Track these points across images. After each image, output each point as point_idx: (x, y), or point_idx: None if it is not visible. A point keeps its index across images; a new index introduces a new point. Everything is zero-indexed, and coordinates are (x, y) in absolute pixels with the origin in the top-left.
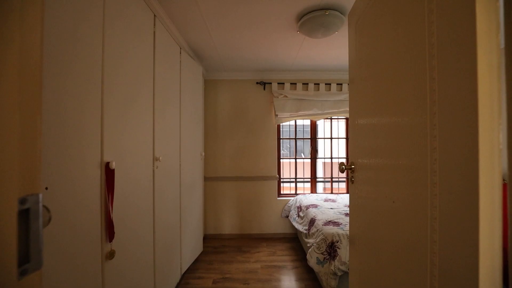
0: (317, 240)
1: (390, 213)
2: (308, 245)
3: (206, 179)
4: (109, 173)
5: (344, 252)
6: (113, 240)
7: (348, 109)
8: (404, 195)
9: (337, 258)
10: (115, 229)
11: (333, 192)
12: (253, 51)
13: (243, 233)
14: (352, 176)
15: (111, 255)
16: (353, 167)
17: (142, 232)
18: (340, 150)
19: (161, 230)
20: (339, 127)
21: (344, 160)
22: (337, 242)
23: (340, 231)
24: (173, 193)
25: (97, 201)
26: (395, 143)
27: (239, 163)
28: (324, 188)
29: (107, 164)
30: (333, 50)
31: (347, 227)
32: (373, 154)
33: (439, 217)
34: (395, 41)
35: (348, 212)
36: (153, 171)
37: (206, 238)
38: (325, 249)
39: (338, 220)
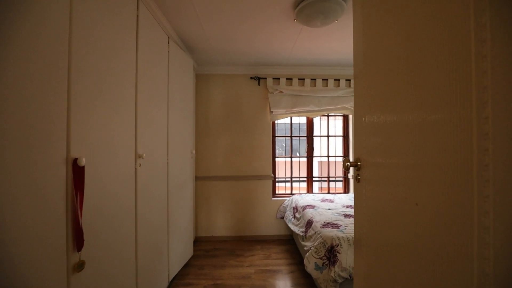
0: (315, 244)
1: (411, 217)
2: (305, 248)
3: (197, 178)
4: (77, 171)
5: (344, 257)
6: (82, 249)
7: (346, 105)
8: (431, 197)
9: (337, 263)
10: (86, 236)
11: (330, 192)
12: (248, 43)
13: (236, 235)
14: (357, 174)
15: (79, 266)
16: (359, 164)
17: (121, 237)
18: (337, 149)
19: (145, 234)
20: (336, 125)
21: (341, 159)
22: (337, 246)
23: (340, 234)
24: (159, 193)
25: (61, 204)
26: (419, 141)
27: (232, 162)
28: (320, 188)
29: (75, 160)
30: (331, 43)
31: (347, 230)
32: (387, 152)
33: (493, 225)
34: (419, 24)
35: (347, 213)
36: (135, 169)
37: (197, 241)
38: (324, 254)
39: (337, 222)
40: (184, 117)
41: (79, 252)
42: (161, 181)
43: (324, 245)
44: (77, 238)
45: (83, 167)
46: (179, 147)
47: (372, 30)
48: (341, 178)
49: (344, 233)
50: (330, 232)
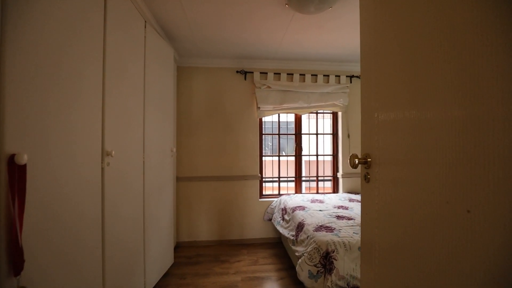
0: (308, 249)
1: (457, 226)
2: (297, 254)
3: (178, 179)
4: (16, 171)
5: (342, 264)
6: (21, 273)
7: (335, 102)
8: (491, 204)
9: (334, 271)
10: (31, 254)
11: (319, 191)
12: (235, 32)
13: (221, 239)
14: (367, 174)
15: None
16: (369, 161)
17: (82, 252)
18: (325, 148)
19: (115, 244)
20: (325, 123)
21: (330, 158)
22: (333, 252)
23: (336, 238)
24: (133, 196)
25: None
26: (460, 137)
27: (217, 161)
28: (309, 188)
29: (12, 157)
30: (322, 34)
31: (343, 233)
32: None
33: None
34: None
35: (339, 214)
36: (103, 169)
37: (179, 247)
38: (319, 261)
39: (330, 225)
40: (163, 111)
41: (17, 277)
42: (136, 183)
43: (319, 250)
44: (15, 259)
45: (25, 165)
46: (158, 144)
47: (388, 15)
48: (329, 178)
49: (339, 237)
50: (324, 236)
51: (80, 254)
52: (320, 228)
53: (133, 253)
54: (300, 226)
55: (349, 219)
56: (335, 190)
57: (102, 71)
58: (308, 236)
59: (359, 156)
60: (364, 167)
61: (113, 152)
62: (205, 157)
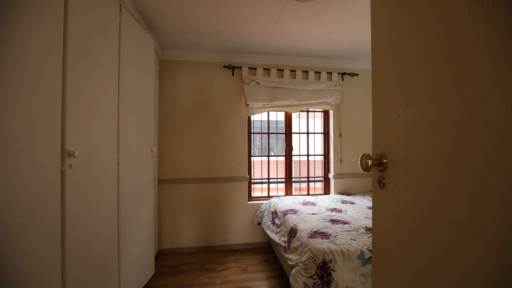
0: (302, 259)
1: None
2: (290, 263)
3: (160, 181)
4: None
5: (340, 275)
6: None
7: (327, 100)
8: None
9: (333, 284)
10: None
11: (310, 193)
12: (223, 22)
13: (207, 245)
14: (381, 177)
15: None
16: (384, 162)
17: (40, 268)
18: (316, 147)
19: (83, 258)
20: (316, 122)
21: (321, 158)
22: (331, 262)
23: (333, 246)
24: (105, 202)
25: None
26: None
27: (202, 162)
28: (299, 189)
29: None
30: (315, 27)
31: (340, 240)
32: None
33: None
34: None
35: (333, 218)
36: (63, 172)
37: (161, 255)
38: (315, 272)
39: (325, 230)
40: (142, 107)
41: None
42: (108, 187)
43: (315, 260)
44: None
45: None
46: (136, 143)
47: None
48: (320, 179)
49: (336, 244)
50: (320, 244)
51: (37, 270)
52: (314, 234)
53: (104, 267)
54: (292, 232)
55: (344, 223)
56: (326, 191)
57: (62, 58)
58: (302, 244)
59: (371, 157)
60: (377, 170)
61: (77, 153)
62: (189, 157)
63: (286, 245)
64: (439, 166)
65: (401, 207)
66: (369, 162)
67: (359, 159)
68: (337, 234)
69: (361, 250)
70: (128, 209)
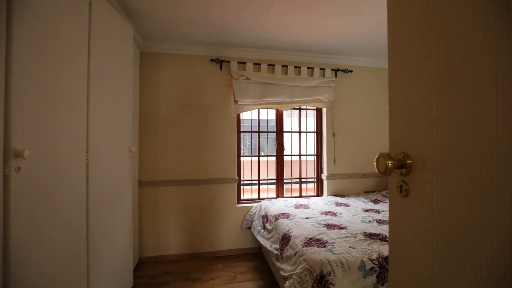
0: (297, 270)
1: None
2: (283, 273)
3: (141, 184)
4: None
5: None
6: None
7: (320, 97)
8: None
9: None
10: None
11: (302, 195)
12: (209, 10)
13: (192, 252)
14: (403, 183)
15: None
16: (408, 164)
17: None
18: (308, 147)
19: (38, 276)
20: (308, 122)
21: (314, 158)
22: (329, 274)
23: (331, 256)
24: (69, 211)
25: None
26: None
27: (188, 163)
28: (291, 190)
29: None
30: (309, 20)
31: (338, 248)
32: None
33: None
34: None
35: (328, 222)
36: (6, 176)
37: (142, 264)
38: (312, 286)
39: (321, 237)
40: (118, 101)
41: None
42: (74, 192)
43: (311, 273)
44: None
45: None
46: (110, 142)
47: None
48: (313, 179)
49: (334, 253)
50: (316, 253)
51: None
52: (309, 242)
53: (69, 284)
54: (285, 239)
55: (341, 228)
56: (319, 192)
57: (5, 36)
58: (296, 253)
59: (391, 157)
60: (398, 173)
61: (27, 152)
62: (174, 158)
63: (278, 253)
64: (496, 172)
65: (435, 223)
66: (389, 163)
67: (376, 160)
68: (334, 241)
69: (362, 260)
70: (101, 216)
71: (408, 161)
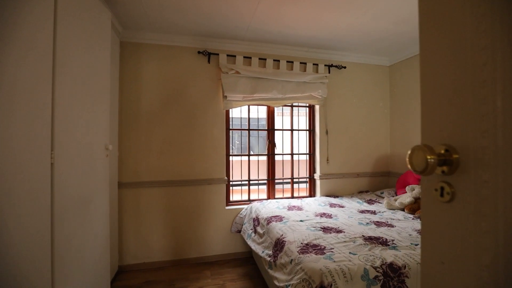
0: (294, 281)
1: None
2: (277, 283)
3: (122, 185)
4: None
5: None
6: None
7: (313, 94)
8: None
9: None
10: None
11: (294, 196)
12: None
13: (178, 258)
14: (446, 184)
15: None
16: (454, 158)
17: None
18: (300, 145)
19: None
20: (300, 120)
21: (306, 157)
22: (330, 285)
23: (331, 265)
24: (27, 219)
25: None
26: None
27: (173, 162)
28: (282, 191)
29: None
30: (303, 11)
31: (338, 255)
32: None
33: None
34: None
35: (324, 225)
36: None
37: (122, 272)
38: None
39: (318, 242)
40: (93, 94)
41: None
42: (36, 197)
43: (310, 284)
44: None
45: None
46: (82, 139)
47: None
48: (305, 179)
49: (335, 261)
50: (315, 261)
51: None
52: (306, 248)
53: None
54: (279, 244)
55: (338, 231)
56: (311, 193)
57: None
58: (292, 260)
59: (433, 150)
60: (440, 171)
61: None
62: (158, 157)
63: (272, 260)
64: None
65: (501, 238)
66: (431, 159)
67: (409, 155)
68: (332, 246)
69: (365, 268)
70: (70, 223)
71: (455, 156)
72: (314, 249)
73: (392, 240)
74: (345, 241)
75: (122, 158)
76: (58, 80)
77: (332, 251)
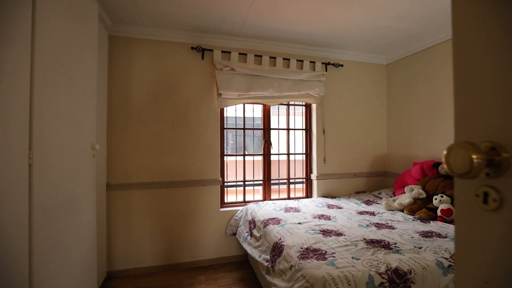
0: None
1: None
2: None
3: (110, 187)
4: None
5: None
6: None
7: (310, 92)
8: None
9: None
10: None
11: (290, 197)
12: None
13: (170, 263)
14: (489, 189)
15: None
16: (504, 158)
17: None
18: (297, 145)
19: None
20: (296, 120)
21: (302, 157)
22: None
23: (334, 271)
24: (4, 227)
25: None
26: None
27: (165, 163)
28: (278, 191)
29: None
30: (301, 6)
31: (339, 260)
32: None
33: None
34: None
35: (323, 228)
36: None
37: (111, 279)
38: None
39: (318, 246)
40: (78, 90)
41: None
42: (11, 200)
43: None
44: None
45: None
46: (65, 138)
47: None
48: (302, 180)
49: (338, 267)
50: (317, 268)
51: None
52: (306, 252)
53: None
54: (277, 248)
55: (338, 234)
56: (308, 194)
57: None
58: (291, 266)
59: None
60: (483, 173)
61: None
62: (149, 157)
63: (269, 265)
64: None
65: None
66: (476, 159)
67: (446, 154)
68: (334, 251)
69: (370, 275)
70: (51, 228)
71: (504, 155)
72: (315, 254)
73: (395, 243)
74: (346, 245)
75: (110, 158)
76: (37, 72)
77: (334, 256)
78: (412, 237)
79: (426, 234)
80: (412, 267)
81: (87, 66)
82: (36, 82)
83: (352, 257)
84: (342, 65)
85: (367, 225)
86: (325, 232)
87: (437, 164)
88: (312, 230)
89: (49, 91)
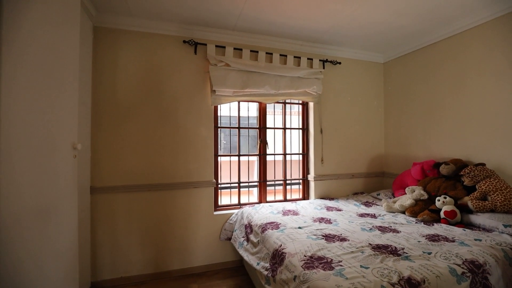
0: None
1: None
2: None
3: (94, 190)
4: None
5: None
6: None
7: (307, 90)
8: None
9: None
10: None
11: (287, 198)
12: None
13: (161, 271)
14: None
15: None
16: None
17: None
18: (293, 145)
19: None
20: (293, 119)
21: (299, 158)
22: None
23: (344, 283)
24: None
25: None
26: None
27: (154, 163)
28: (274, 193)
29: None
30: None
31: (348, 270)
32: None
33: None
34: None
35: (325, 232)
36: None
37: None
38: None
39: (323, 253)
40: (56, 84)
41: None
42: None
43: None
44: None
45: None
46: (40, 137)
47: None
48: (298, 181)
49: (347, 278)
50: (324, 278)
51: None
52: (311, 261)
53: None
54: (278, 256)
55: (342, 239)
56: (305, 195)
57: None
58: (295, 277)
59: None
60: None
61: None
62: (137, 157)
63: (269, 274)
64: None
65: None
66: None
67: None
68: (340, 258)
69: (382, 286)
70: (22, 241)
71: None
72: (320, 263)
73: (402, 249)
74: (352, 252)
75: (95, 159)
76: (5, 63)
77: (341, 265)
78: (419, 241)
79: (433, 238)
80: (425, 276)
81: (67, 58)
82: (3, 73)
83: (361, 266)
84: (340, 63)
85: (370, 229)
86: (328, 237)
87: (438, 165)
88: (314, 235)
89: (19, 85)
